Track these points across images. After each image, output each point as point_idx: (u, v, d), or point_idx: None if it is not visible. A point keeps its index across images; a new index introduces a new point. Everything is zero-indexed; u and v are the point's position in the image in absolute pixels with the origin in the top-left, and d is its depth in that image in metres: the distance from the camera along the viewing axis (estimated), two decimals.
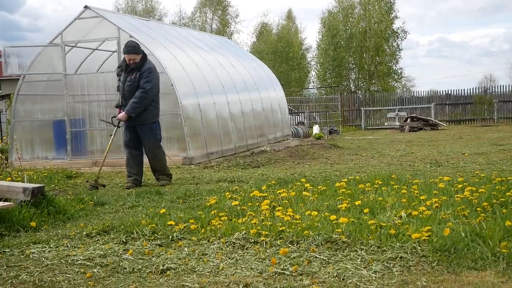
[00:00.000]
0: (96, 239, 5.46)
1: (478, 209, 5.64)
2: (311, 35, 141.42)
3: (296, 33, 63.28)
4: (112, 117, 10.02)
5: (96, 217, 6.81)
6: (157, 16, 57.86)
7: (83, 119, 14.80)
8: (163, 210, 6.49)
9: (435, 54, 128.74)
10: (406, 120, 29.37)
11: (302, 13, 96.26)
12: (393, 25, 46.97)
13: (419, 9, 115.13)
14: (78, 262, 4.65)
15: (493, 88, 35.39)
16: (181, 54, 15.40)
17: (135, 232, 5.50)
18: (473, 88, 34.45)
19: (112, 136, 9.89)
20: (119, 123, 9.80)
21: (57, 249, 5.13)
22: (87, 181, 9.93)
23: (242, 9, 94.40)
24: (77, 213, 6.92)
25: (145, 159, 10.14)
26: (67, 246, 5.21)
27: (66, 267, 4.56)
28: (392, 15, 46.83)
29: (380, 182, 7.72)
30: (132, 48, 9.63)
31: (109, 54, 15.52)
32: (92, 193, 8.50)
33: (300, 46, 60.90)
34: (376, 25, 45.99)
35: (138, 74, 9.62)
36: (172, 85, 13.34)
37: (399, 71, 49.02)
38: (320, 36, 49.92)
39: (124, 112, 9.62)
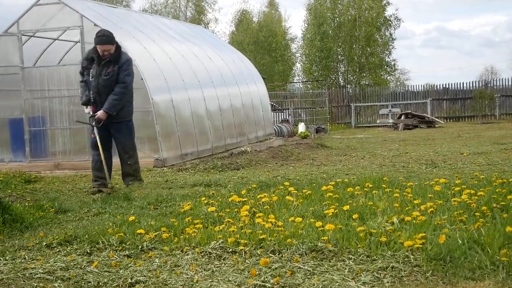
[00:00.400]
0: (57, 250, 5.45)
1: (477, 214, 5.70)
2: (296, 24, 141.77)
3: (279, 21, 63.32)
4: (90, 117, 9.77)
5: (57, 225, 6.79)
6: (124, 2, 57.59)
7: (43, 117, 14.69)
8: (132, 218, 6.48)
9: (432, 44, 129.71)
10: (400, 117, 29.54)
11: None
12: (385, 12, 47.09)
13: None
14: (37, 275, 4.64)
15: (495, 81, 35.73)
16: (151, 45, 15.39)
17: (100, 242, 5.49)
18: (473, 82, 34.75)
19: (97, 137, 9.73)
20: (97, 122, 9.63)
21: (14, 261, 5.11)
22: (109, 193, 9.51)
23: None
24: (36, 221, 6.88)
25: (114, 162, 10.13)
26: (25, 258, 5.20)
27: (24, 281, 4.55)
28: (384, 1, 46.96)
29: (370, 185, 7.76)
30: (106, 38, 9.53)
31: (71, 45, 15.47)
32: (53, 199, 8.46)
33: (284, 36, 60.93)
34: (366, 12, 46.11)
35: (116, 67, 9.55)
36: (142, 79, 13.31)
37: (392, 63, 49.09)
38: (306, 25, 49.98)
39: (103, 110, 9.51)
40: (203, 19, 58.63)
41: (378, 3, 46.22)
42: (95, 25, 13.47)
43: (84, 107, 9.89)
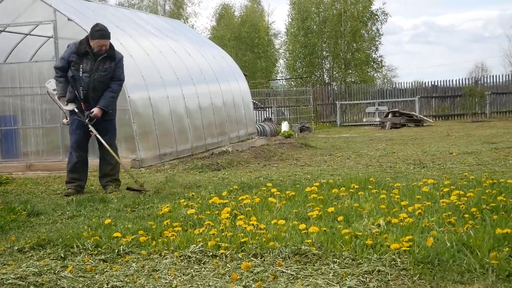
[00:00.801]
0: (30, 254, 5.43)
1: (466, 215, 5.74)
2: (280, 19, 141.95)
3: (262, 16, 63.37)
4: (88, 113, 9.49)
5: (30, 229, 6.77)
6: None
7: (15, 116, 14.66)
8: (108, 221, 6.48)
9: (421, 40, 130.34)
10: (387, 115, 29.68)
11: None
12: (371, 6, 47.32)
13: None
14: (9, 281, 4.61)
15: (485, 78, 35.98)
16: (128, 40, 15.35)
17: (75, 246, 5.48)
18: (462, 79, 35.08)
19: (97, 135, 9.57)
20: (90, 119, 9.49)
21: None
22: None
23: None
24: (7, 225, 6.86)
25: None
26: None
27: None
28: None
29: (356, 186, 7.82)
30: (106, 32, 9.46)
31: (44, 40, 15.39)
32: (25, 202, 8.42)
33: (266, 31, 60.99)
34: (352, 6, 46.29)
35: (113, 64, 9.52)
36: None
37: (379, 60, 49.39)
38: (290, 20, 50.10)
39: (99, 108, 9.44)
40: (182, 13, 58.60)
41: None
42: (69, 19, 13.47)
43: (65, 103, 9.71)
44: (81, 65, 9.45)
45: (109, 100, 9.57)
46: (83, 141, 9.78)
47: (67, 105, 9.64)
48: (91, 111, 9.46)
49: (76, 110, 9.57)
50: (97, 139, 9.68)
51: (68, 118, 9.96)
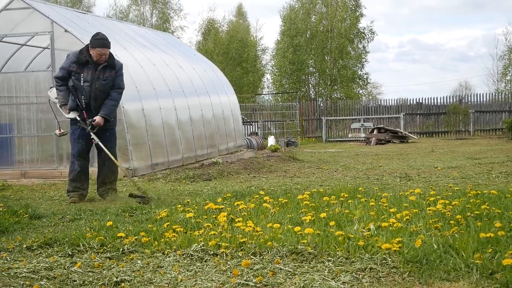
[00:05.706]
0: (38, 252, 5.68)
1: (451, 222, 6.04)
2: (268, 34, 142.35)
3: (247, 31, 63.43)
4: (90, 121, 9.60)
5: (33, 230, 7.01)
6: (82, 7, 57.12)
7: (10, 124, 14.86)
8: (110, 223, 6.72)
9: (406, 58, 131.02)
10: (372, 131, 30.05)
11: (260, 8, 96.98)
12: (358, 24, 47.75)
13: (387, 6, 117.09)
14: (22, 275, 4.86)
15: (469, 97, 36.48)
16: (122, 52, 15.54)
17: (81, 245, 5.74)
18: (447, 97, 35.46)
19: (99, 142, 9.67)
20: (93, 127, 9.63)
21: None
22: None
23: (185, 1, 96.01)
24: (11, 226, 7.09)
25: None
26: (7, 259, 5.41)
27: (9, 279, 4.77)
28: (358, 13, 47.65)
29: (346, 195, 8.09)
30: (106, 41, 9.63)
31: (39, 51, 15.64)
32: (26, 206, 8.63)
33: (255, 47, 61.14)
34: (339, 23, 46.70)
35: (113, 72, 9.70)
36: None
37: (365, 77, 49.81)
38: (280, 36, 50.24)
39: (101, 116, 9.59)
40: (168, 27, 58.76)
41: (351, 15, 46.88)
42: (65, 31, 13.70)
43: (67, 111, 9.78)
44: (82, 74, 9.57)
45: (110, 108, 9.72)
46: (85, 150, 9.93)
47: (69, 113, 9.77)
48: (93, 119, 9.59)
49: (78, 119, 9.69)
50: (98, 146, 9.80)
51: (62, 129, 10.14)
